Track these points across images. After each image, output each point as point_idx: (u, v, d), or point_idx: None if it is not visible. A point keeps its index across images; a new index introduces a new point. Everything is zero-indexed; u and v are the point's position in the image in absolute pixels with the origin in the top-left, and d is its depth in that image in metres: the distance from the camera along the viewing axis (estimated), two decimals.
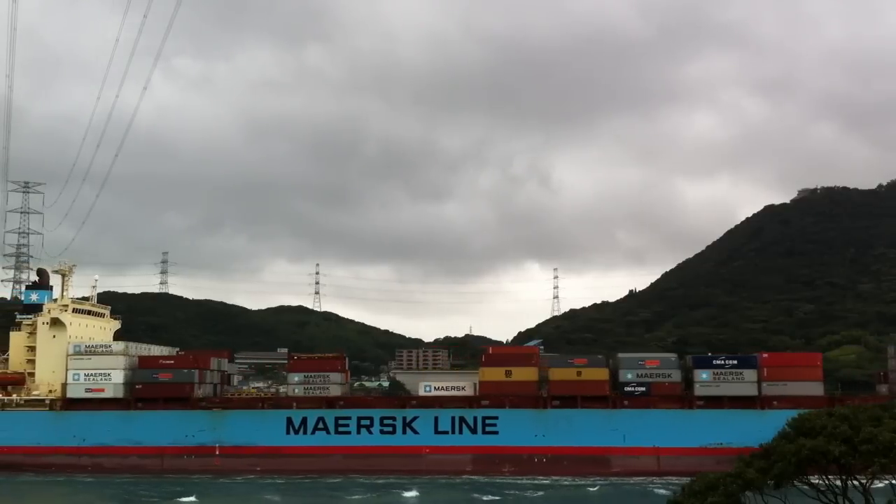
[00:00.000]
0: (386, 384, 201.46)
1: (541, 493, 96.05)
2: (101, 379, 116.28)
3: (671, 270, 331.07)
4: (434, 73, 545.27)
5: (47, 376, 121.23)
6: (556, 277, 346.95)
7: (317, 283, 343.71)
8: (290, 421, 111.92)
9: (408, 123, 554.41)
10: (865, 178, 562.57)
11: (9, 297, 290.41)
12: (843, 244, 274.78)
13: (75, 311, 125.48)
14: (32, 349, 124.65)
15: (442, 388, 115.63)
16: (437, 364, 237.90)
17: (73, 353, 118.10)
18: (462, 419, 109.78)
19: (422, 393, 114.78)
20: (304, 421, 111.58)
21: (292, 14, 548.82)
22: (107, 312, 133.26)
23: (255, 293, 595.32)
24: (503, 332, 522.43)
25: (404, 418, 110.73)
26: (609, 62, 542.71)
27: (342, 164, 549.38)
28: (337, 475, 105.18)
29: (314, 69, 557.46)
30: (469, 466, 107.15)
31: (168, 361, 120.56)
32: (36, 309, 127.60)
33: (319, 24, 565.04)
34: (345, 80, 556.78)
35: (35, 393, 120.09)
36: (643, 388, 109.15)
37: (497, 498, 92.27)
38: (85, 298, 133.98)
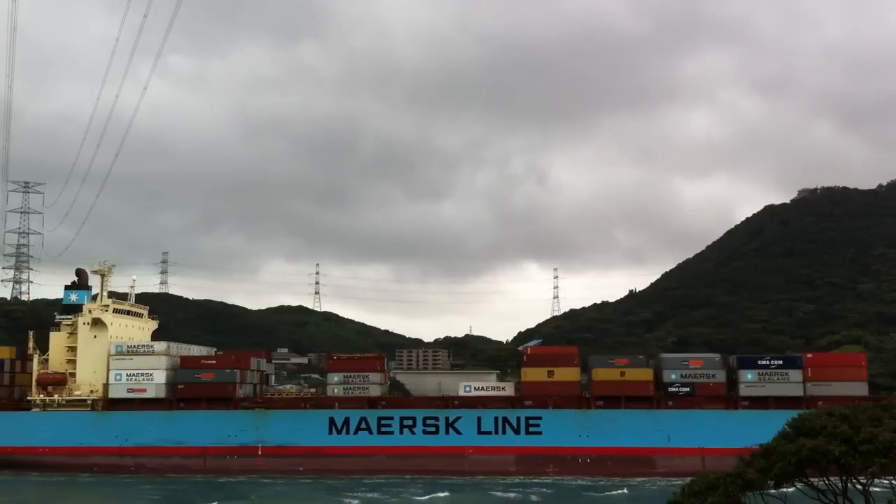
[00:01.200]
0: (386, 384, 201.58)
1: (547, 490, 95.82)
2: (143, 379, 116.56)
3: (671, 270, 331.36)
4: (430, 71, 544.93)
5: (88, 376, 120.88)
6: (556, 277, 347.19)
7: (317, 283, 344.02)
8: (332, 421, 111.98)
9: (404, 122, 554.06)
10: (865, 178, 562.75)
11: (9, 297, 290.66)
12: (843, 244, 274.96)
13: (115, 311, 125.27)
14: (73, 349, 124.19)
15: (482, 388, 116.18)
16: (438, 364, 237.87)
17: (114, 353, 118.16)
18: (505, 419, 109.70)
19: (462, 393, 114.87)
20: (346, 421, 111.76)
21: (287, 11, 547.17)
22: (145, 312, 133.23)
23: (252, 293, 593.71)
24: (502, 331, 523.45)
25: (447, 418, 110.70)
26: (605, 60, 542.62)
27: (338, 162, 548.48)
28: (379, 475, 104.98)
29: (309, 67, 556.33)
30: (512, 467, 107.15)
31: (210, 361, 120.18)
32: (75, 309, 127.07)
33: (314, 21, 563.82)
34: (340, 78, 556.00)
35: (77, 393, 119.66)
36: (687, 389, 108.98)
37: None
38: (123, 298, 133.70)
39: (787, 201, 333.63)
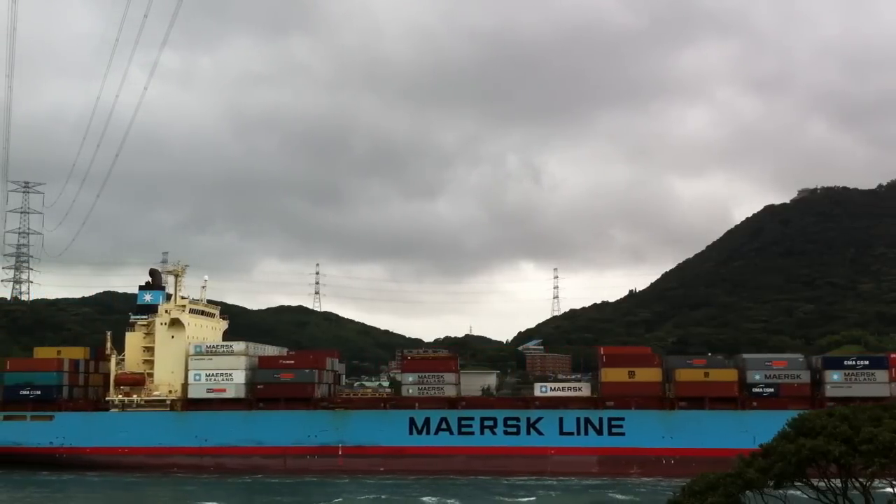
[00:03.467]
0: (386, 384, 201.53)
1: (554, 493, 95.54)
2: (223, 379, 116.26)
3: (671, 270, 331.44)
4: (422, 68, 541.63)
5: (166, 376, 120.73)
6: (556, 277, 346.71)
7: (317, 283, 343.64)
8: (412, 421, 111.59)
9: (397, 120, 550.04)
10: (865, 177, 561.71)
11: (9, 297, 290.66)
12: (843, 244, 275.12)
13: (191, 311, 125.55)
14: (149, 349, 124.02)
15: (558, 388, 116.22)
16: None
17: (193, 353, 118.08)
18: (587, 420, 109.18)
19: (538, 394, 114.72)
20: (426, 421, 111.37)
21: (276, 6, 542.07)
22: (216, 312, 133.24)
23: (248, 292, 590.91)
24: (502, 331, 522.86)
25: (528, 419, 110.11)
26: (599, 56, 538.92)
27: (331, 160, 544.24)
28: (460, 475, 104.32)
29: (300, 63, 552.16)
30: (595, 468, 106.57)
31: (288, 361, 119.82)
32: (149, 309, 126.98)
33: (304, 16, 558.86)
34: (331, 74, 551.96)
35: (156, 393, 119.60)
36: (771, 390, 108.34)
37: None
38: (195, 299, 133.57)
39: (787, 201, 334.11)
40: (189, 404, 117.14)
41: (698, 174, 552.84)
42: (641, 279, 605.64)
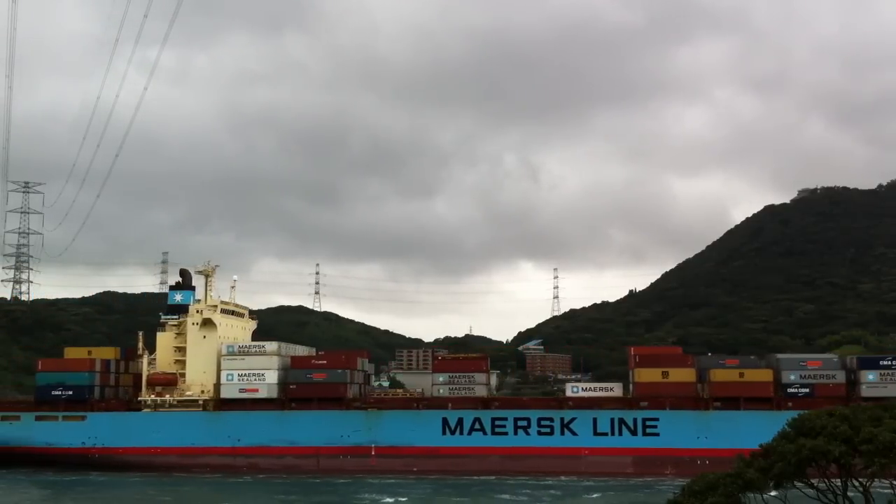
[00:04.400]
0: (386, 384, 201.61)
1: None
2: (255, 379, 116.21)
3: (671, 270, 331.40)
4: (419, 67, 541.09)
5: (198, 377, 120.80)
6: (556, 277, 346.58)
7: (317, 282, 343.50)
8: (445, 421, 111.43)
9: (394, 119, 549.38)
10: (865, 177, 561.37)
11: (9, 297, 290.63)
12: (843, 244, 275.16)
13: (222, 311, 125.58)
14: (180, 349, 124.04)
15: (590, 388, 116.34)
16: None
17: (226, 353, 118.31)
18: (621, 420, 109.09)
19: (569, 394, 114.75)
20: (459, 421, 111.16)
21: (271, 4, 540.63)
22: (246, 312, 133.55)
23: (246, 292, 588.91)
24: (502, 331, 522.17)
25: (562, 419, 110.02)
26: (596, 54, 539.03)
27: (328, 159, 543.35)
28: (494, 476, 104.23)
29: (296, 61, 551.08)
30: (629, 468, 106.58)
31: (321, 361, 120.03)
32: (180, 310, 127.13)
33: (300, 14, 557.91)
34: (328, 73, 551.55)
35: (188, 393, 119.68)
36: (806, 390, 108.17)
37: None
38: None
39: (787, 201, 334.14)
40: (221, 404, 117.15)
41: (697, 174, 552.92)
42: (641, 279, 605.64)
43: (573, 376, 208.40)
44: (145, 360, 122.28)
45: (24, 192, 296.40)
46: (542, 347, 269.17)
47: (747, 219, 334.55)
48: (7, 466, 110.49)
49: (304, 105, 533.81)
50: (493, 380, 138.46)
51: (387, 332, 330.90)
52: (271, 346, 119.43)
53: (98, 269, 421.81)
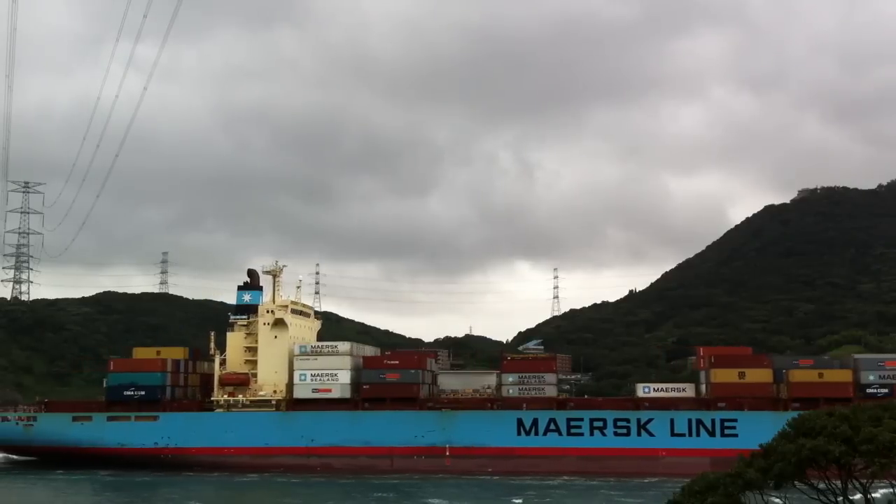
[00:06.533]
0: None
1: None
2: (328, 379, 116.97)
3: (671, 270, 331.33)
4: (412, 64, 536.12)
5: (270, 377, 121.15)
6: (556, 277, 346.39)
7: (317, 282, 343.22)
8: (520, 422, 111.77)
9: (387, 116, 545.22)
10: (864, 177, 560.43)
11: (9, 297, 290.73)
12: (843, 244, 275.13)
13: (292, 311, 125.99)
14: (250, 349, 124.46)
15: (661, 389, 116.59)
16: (438, 364, 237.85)
17: (298, 353, 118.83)
18: (699, 421, 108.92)
19: (640, 395, 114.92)
20: (535, 422, 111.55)
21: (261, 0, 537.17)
22: (312, 312, 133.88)
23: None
24: (501, 331, 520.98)
25: (639, 420, 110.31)
26: (590, 50, 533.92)
27: (322, 157, 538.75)
28: (569, 477, 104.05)
29: (288, 58, 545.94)
30: (708, 470, 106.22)
31: (393, 361, 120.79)
32: (248, 310, 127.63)
33: (290, 8, 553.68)
34: (320, 70, 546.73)
35: (261, 393, 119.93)
36: (886, 390, 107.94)
37: None
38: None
39: (787, 201, 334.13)
40: (294, 404, 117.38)
41: (693, 172, 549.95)
42: (639, 279, 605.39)
43: (573, 377, 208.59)
44: (217, 360, 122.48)
45: (23, 192, 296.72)
46: (541, 347, 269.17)
47: (747, 219, 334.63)
48: (80, 467, 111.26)
49: (296, 102, 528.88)
50: (494, 379, 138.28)
51: (387, 332, 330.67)
52: (344, 346, 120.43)
53: (92, 269, 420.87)
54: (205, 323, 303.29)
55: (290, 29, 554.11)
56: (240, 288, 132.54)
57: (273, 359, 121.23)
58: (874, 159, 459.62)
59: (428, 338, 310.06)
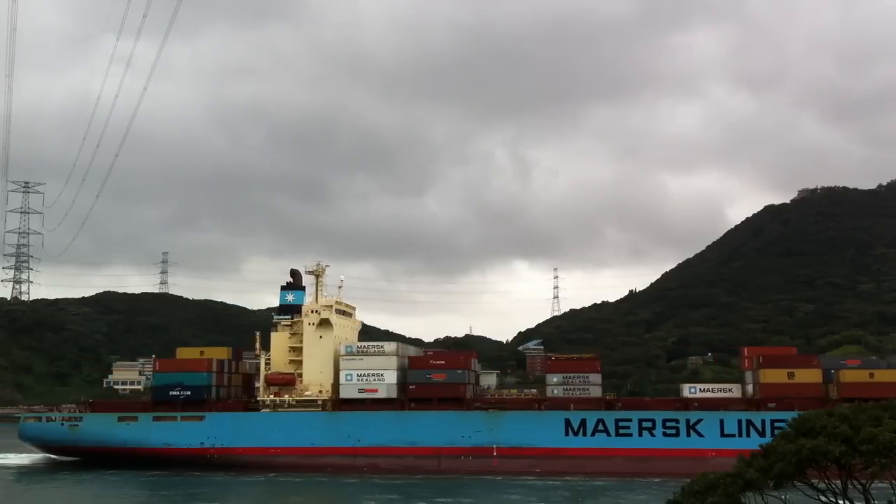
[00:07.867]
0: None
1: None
2: (374, 379, 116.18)
3: (671, 270, 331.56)
4: (406, 62, 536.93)
5: (315, 377, 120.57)
6: (556, 277, 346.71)
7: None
8: (568, 422, 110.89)
9: (383, 115, 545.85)
10: (864, 176, 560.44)
11: (9, 297, 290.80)
12: (843, 244, 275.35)
13: (336, 311, 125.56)
14: (295, 349, 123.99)
15: (707, 389, 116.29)
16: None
17: (344, 353, 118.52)
18: (749, 422, 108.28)
19: (686, 395, 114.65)
20: (582, 422, 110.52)
21: None
22: (353, 312, 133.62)
23: (239, 291, 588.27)
24: (501, 331, 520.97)
25: (688, 421, 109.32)
26: (586, 48, 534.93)
27: (317, 155, 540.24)
28: (618, 477, 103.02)
29: (282, 56, 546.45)
30: None
31: (439, 362, 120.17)
32: (292, 310, 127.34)
33: (284, 7, 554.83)
34: (315, 68, 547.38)
35: (307, 393, 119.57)
36: None
37: None
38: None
39: (787, 201, 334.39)
40: (340, 404, 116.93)
41: (691, 171, 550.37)
42: (638, 278, 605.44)
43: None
44: (262, 360, 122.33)
45: (23, 192, 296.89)
46: (541, 347, 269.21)
47: (747, 219, 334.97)
48: (126, 467, 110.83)
49: (291, 100, 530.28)
50: (494, 379, 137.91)
51: (387, 332, 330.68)
52: (390, 346, 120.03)
53: (90, 269, 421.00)
54: (205, 323, 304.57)
55: (285, 26, 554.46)
56: (283, 288, 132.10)
57: (318, 359, 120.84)
58: (873, 159, 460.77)
59: (428, 338, 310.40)
